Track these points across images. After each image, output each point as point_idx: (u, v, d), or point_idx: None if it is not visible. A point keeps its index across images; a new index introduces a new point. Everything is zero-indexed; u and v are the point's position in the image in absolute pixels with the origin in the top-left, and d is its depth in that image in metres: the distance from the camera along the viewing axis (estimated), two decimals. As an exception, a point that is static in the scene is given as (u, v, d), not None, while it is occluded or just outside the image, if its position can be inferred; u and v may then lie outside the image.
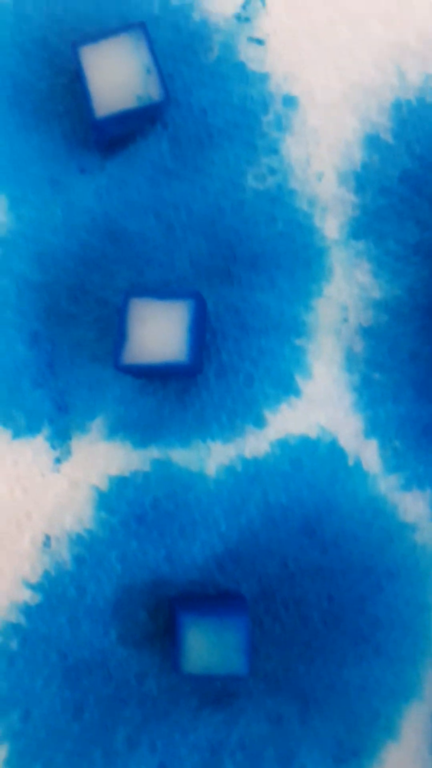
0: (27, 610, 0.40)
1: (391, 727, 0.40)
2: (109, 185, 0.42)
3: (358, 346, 0.41)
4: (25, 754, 0.40)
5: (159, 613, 0.40)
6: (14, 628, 0.40)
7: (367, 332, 0.41)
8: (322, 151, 0.41)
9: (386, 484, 0.40)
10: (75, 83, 0.42)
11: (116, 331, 0.41)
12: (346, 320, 0.41)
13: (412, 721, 0.40)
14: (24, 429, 0.41)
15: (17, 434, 0.41)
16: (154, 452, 0.41)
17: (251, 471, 0.40)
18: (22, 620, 0.40)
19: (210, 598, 0.40)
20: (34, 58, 0.42)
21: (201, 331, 0.40)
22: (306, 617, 0.40)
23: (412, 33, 0.41)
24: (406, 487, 0.40)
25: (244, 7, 0.42)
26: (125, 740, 0.40)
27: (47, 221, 0.41)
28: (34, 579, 0.40)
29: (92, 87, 0.40)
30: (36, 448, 0.41)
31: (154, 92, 0.40)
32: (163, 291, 0.41)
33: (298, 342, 0.41)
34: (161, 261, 0.41)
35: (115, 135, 0.41)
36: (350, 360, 0.41)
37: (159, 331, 0.39)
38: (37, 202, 0.42)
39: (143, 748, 0.40)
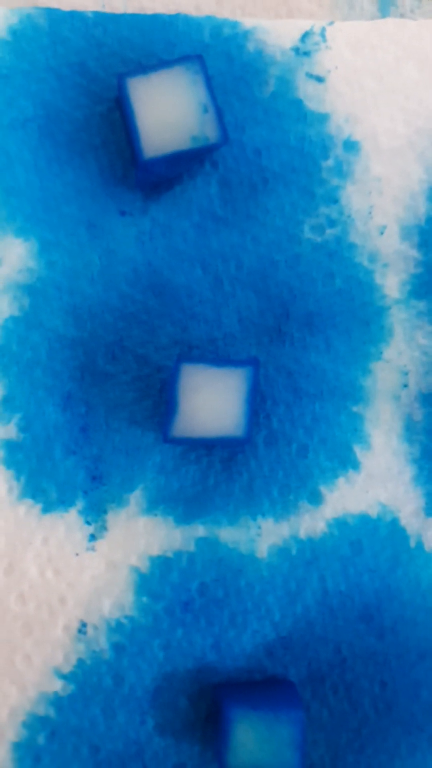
0: (57, 701, 0.37)
1: None
2: (152, 231, 0.37)
3: (419, 414, 0.38)
4: None
5: (201, 699, 0.37)
6: (42, 721, 0.36)
7: (428, 399, 0.38)
8: (385, 202, 0.38)
9: (454, 571, 0.37)
10: (114, 113, 0.38)
11: (165, 399, 0.37)
12: (406, 386, 0.38)
13: None
14: (55, 502, 0.37)
15: (48, 508, 0.37)
16: (200, 530, 0.37)
17: (307, 554, 0.37)
18: (52, 712, 0.36)
19: (257, 685, 0.37)
20: (70, 85, 0.37)
21: (255, 398, 0.37)
22: (356, 703, 0.38)
23: None
24: None
25: (303, 39, 0.38)
26: None
27: (83, 270, 0.37)
28: (67, 669, 0.36)
29: (141, 124, 0.36)
30: (69, 524, 0.37)
31: (211, 133, 0.36)
32: (216, 356, 0.37)
33: (355, 409, 0.38)
34: (207, 317, 0.38)
35: (161, 176, 0.37)
36: (410, 429, 0.38)
37: (213, 402, 0.35)
38: (72, 248, 0.37)
39: None
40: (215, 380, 0.35)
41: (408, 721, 0.38)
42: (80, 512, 0.37)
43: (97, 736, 0.37)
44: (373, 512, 0.37)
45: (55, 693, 0.36)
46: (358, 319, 0.38)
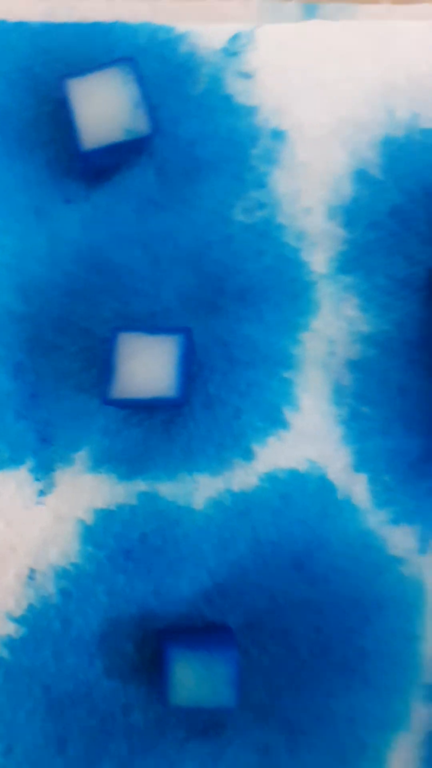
0: (10, 643, 0.40)
1: (378, 758, 0.40)
2: (94, 216, 0.41)
3: (346, 380, 0.41)
4: (9, 793, 0.39)
5: (146, 645, 0.40)
6: (-2, 664, 0.40)
7: (355, 366, 0.41)
8: (311, 185, 0.42)
9: (375, 519, 0.40)
10: (60, 112, 0.42)
11: (104, 365, 0.40)
12: (333, 354, 0.41)
13: (399, 752, 0.40)
14: (7, 461, 0.40)
15: (0, 466, 0.40)
16: (141, 485, 0.40)
17: (240, 505, 0.40)
18: (5, 653, 0.40)
19: (197, 630, 0.40)
20: (19, 87, 0.41)
21: (189, 364, 0.40)
22: (293, 648, 0.40)
23: (401, 72, 0.42)
24: (395, 521, 0.40)
25: (231, 41, 0.42)
26: (111, 776, 0.40)
27: (31, 251, 0.41)
28: (18, 612, 0.40)
29: (79, 119, 0.40)
30: (19, 480, 0.40)
31: (142, 126, 0.40)
32: (151, 326, 0.41)
33: (285, 375, 0.41)
34: (147, 293, 0.41)
35: (102, 166, 0.41)
36: (338, 393, 0.41)
37: (148, 366, 0.39)
38: (21, 232, 0.41)
39: (129, 784, 0.40)
40: (150, 346, 0.39)
41: (342, 664, 0.40)
42: (30, 470, 0.40)
43: (49, 677, 0.40)
44: (302, 468, 0.40)
45: (9, 635, 0.40)
46: (287, 293, 0.41)
